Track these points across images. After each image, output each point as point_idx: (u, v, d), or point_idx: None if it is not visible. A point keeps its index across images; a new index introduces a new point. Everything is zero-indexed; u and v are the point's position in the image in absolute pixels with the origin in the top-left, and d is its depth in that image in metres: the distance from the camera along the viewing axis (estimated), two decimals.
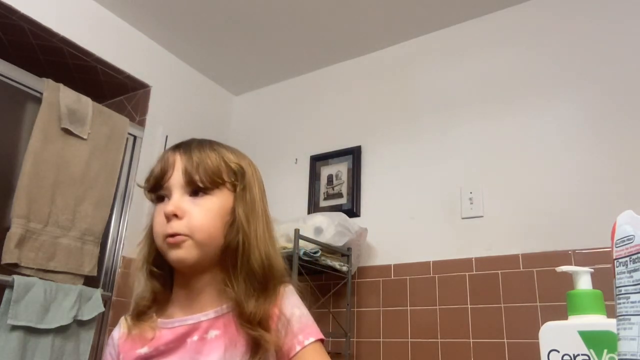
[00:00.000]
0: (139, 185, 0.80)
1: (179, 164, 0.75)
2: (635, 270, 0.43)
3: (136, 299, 0.78)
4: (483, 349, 1.64)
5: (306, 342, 0.72)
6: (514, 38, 1.95)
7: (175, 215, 0.71)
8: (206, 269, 0.75)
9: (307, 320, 0.75)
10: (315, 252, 1.73)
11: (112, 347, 0.77)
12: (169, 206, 0.72)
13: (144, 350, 0.73)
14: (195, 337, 0.73)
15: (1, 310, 1.52)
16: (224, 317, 0.73)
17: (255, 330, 0.70)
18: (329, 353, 0.76)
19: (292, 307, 0.75)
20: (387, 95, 2.22)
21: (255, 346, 0.70)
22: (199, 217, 0.72)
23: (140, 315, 0.76)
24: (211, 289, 0.75)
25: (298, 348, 0.72)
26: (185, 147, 0.78)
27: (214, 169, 0.75)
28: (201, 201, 0.73)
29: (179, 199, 0.73)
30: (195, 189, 0.74)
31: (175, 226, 0.71)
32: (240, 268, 0.73)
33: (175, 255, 0.71)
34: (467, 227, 1.82)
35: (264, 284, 0.73)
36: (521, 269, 1.65)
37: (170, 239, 0.71)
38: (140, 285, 0.78)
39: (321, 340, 0.74)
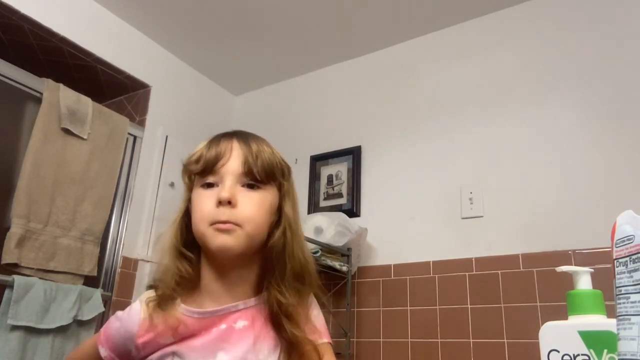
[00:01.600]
0: (184, 165, 0.77)
1: (237, 152, 0.74)
2: (635, 270, 0.43)
3: (161, 281, 0.75)
4: (483, 349, 1.64)
5: (320, 341, 0.75)
6: (513, 39, 1.95)
7: (229, 203, 0.70)
8: (244, 264, 0.74)
9: (323, 322, 0.79)
10: (315, 252, 1.73)
11: (124, 328, 0.74)
12: (225, 192, 0.70)
13: (168, 340, 0.71)
14: (223, 326, 0.72)
15: (1, 310, 1.52)
16: (251, 309, 0.73)
17: (298, 330, 0.71)
18: (339, 353, 0.77)
19: (312, 308, 0.78)
20: (387, 95, 2.22)
21: (290, 346, 0.71)
22: (252, 209, 0.71)
23: (164, 301, 0.73)
24: (245, 283, 0.75)
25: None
26: (241, 135, 0.77)
27: (271, 164, 0.75)
28: (253, 194, 0.73)
29: (233, 187, 0.72)
30: (249, 182, 0.73)
31: (228, 213, 0.70)
32: (286, 266, 0.73)
33: (222, 241, 0.69)
34: (467, 227, 1.82)
35: (303, 282, 0.75)
36: (521, 269, 1.65)
37: (221, 225, 0.69)
38: (165, 266, 0.76)
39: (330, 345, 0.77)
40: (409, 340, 1.79)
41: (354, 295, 1.96)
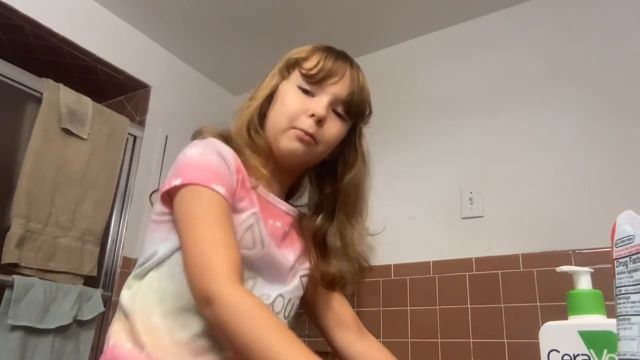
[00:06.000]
0: (290, 56, 0.78)
1: (348, 80, 0.76)
2: (635, 270, 0.43)
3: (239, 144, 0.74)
4: (483, 349, 1.64)
5: None
6: (514, 38, 1.95)
7: (319, 121, 0.72)
8: (294, 170, 0.79)
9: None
10: None
11: (224, 161, 0.68)
12: (321, 110, 0.72)
13: (251, 185, 0.72)
14: (278, 224, 0.75)
15: (1, 310, 1.52)
16: (292, 219, 0.79)
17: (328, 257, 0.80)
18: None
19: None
20: (387, 95, 2.22)
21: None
22: (333, 135, 0.75)
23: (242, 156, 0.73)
24: (286, 186, 0.81)
25: None
26: (354, 64, 0.79)
27: (364, 105, 0.79)
28: (338, 122, 0.76)
29: (328, 107, 0.74)
30: (341, 112, 0.76)
31: (314, 130, 0.72)
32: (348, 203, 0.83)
33: (296, 146, 0.72)
34: (467, 227, 1.82)
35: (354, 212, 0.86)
36: (521, 269, 1.65)
37: (305, 136, 0.72)
38: (243, 140, 0.75)
39: None
40: (409, 340, 1.79)
41: (353, 296, 1.96)
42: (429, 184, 1.96)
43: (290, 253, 0.76)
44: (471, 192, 1.84)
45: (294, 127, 0.72)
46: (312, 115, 0.72)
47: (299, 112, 0.72)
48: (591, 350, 0.54)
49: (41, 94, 1.77)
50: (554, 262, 1.56)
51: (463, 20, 2.09)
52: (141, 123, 2.23)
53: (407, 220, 1.97)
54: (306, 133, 0.72)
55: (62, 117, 1.80)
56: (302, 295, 0.79)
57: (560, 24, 1.86)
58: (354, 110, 0.77)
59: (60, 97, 1.81)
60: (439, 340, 1.72)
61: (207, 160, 0.66)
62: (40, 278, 1.65)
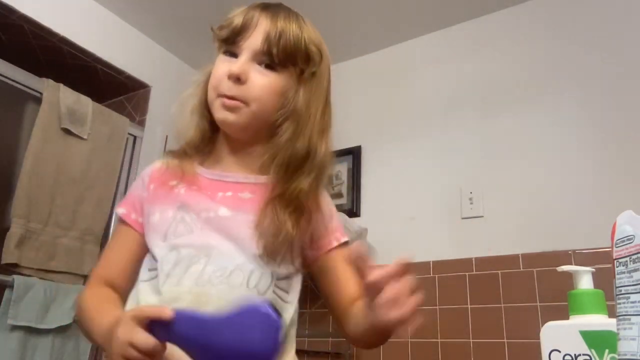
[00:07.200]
0: (211, 29, 0.79)
1: (262, 27, 0.72)
2: (635, 270, 0.43)
3: (180, 137, 0.77)
4: (483, 349, 1.64)
5: (342, 240, 0.77)
6: (513, 38, 1.95)
7: (238, 79, 0.69)
8: (251, 139, 0.75)
9: (340, 221, 0.81)
10: None
11: (141, 179, 0.77)
12: (235, 67, 0.69)
13: (175, 182, 0.73)
14: (229, 193, 0.73)
15: (1, 310, 1.52)
16: (260, 186, 0.73)
17: (287, 215, 0.69)
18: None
19: (329, 204, 0.80)
20: (387, 95, 2.22)
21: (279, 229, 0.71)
22: (261, 88, 0.71)
23: (182, 156, 0.75)
24: (254, 159, 0.75)
25: (335, 244, 0.76)
26: (272, 10, 0.75)
27: (294, 46, 0.73)
28: (268, 74, 0.72)
29: (246, 62, 0.71)
30: (267, 61, 0.72)
31: (235, 89, 0.69)
32: (285, 150, 0.72)
33: (224, 116, 0.70)
34: (467, 227, 1.82)
35: (302, 169, 0.73)
36: (521, 269, 1.65)
37: (227, 101, 0.70)
38: (187, 126, 0.77)
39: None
40: (409, 340, 1.79)
41: None
42: (429, 184, 1.96)
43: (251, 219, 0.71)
44: (471, 192, 1.84)
45: (219, 95, 0.71)
46: (229, 77, 0.70)
47: (221, 78, 0.71)
48: (592, 350, 0.54)
49: (41, 94, 1.77)
50: (554, 262, 1.55)
51: (462, 20, 2.09)
52: (141, 123, 2.23)
53: (407, 220, 1.97)
54: (228, 97, 0.70)
55: (62, 117, 1.80)
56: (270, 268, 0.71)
57: (558, 24, 1.86)
58: (281, 57, 0.71)
59: (60, 97, 1.81)
60: (439, 340, 1.72)
61: (131, 189, 0.80)
62: (40, 278, 1.65)
